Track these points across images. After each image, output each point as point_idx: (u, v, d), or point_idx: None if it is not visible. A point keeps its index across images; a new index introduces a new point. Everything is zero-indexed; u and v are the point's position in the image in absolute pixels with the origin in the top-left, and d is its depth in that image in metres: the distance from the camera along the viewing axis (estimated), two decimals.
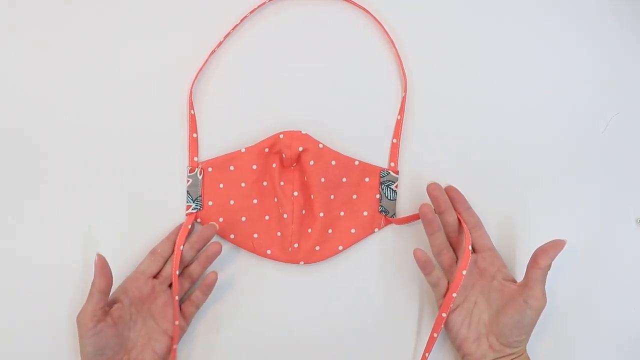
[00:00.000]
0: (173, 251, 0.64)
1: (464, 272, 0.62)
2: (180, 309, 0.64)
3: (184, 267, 0.65)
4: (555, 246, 0.60)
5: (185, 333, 0.66)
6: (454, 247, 0.66)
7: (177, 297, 0.62)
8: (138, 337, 0.63)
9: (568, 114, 0.69)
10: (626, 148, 0.69)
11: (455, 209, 0.64)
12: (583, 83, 0.69)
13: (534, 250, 0.61)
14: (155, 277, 0.64)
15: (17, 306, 0.66)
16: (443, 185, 0.65)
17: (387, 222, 0.68)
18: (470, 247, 0.63)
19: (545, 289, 0.61)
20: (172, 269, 0.63)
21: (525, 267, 0.62)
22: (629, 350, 0.68)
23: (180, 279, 0.64)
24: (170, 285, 0.64)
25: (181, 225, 0.65)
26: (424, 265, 0.64)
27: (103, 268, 0.60)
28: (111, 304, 0.61)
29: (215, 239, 0.67)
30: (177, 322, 0.63)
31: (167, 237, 0.65)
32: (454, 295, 0.62)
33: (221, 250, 0.64)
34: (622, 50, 0.69)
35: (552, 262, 0.60)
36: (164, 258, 0.64)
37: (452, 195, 0.64)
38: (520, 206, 0.68)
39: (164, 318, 0.64)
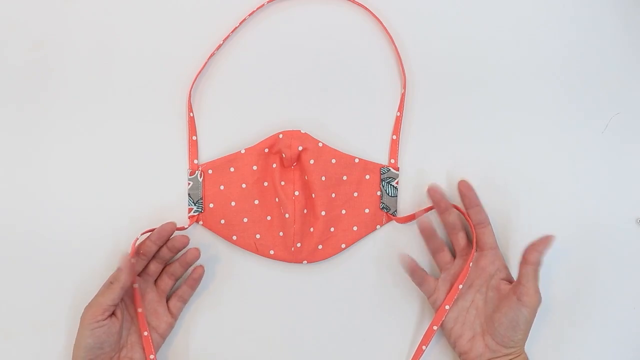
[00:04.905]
0: (156, 250, 0.64)
1: (471, 264, 0.63)
2: (168, 305, 0.65)
3: (164, 265, 0.65)
4: (544, 241, 0.60)
5: (188, 334, 0.67)
6: (454, 244, 0.66)
7: (139, 310, 0.64)
8: (128, 335, 0.64)
9: (568, 114, 0.68)
10: (626, 148, 0.68)
11: (464, 205, 0.64)
12: (583, 83, 0.68)
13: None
14: (139, 275, 0.65)
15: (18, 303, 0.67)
16: (456, 180, 0.65)
17: (389, 219, 0.68)
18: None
19: (544, 289, 0.61)
20: (135, 305, 0.64)
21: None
22: (628, 351, 0.68)
23: (163, 276, 0.65)
24: (156, 281, 0.65)
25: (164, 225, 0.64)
26: (412, 273, 0.65)
27: (132, 267, 0.62)
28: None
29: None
30: (145, 333, 0.63)
31: (148, 237, 0.64)
32: (460, 287, 0.63)
33: (199, 256, 0.64)
34: (622, 50, 0.68)
35: (544, 259, 0.60)
36: (146, 257, 0.64)
37: (462, 191, 0.64)
38: (519, 205, 0.68)
39: (152, 315, 0.65)
